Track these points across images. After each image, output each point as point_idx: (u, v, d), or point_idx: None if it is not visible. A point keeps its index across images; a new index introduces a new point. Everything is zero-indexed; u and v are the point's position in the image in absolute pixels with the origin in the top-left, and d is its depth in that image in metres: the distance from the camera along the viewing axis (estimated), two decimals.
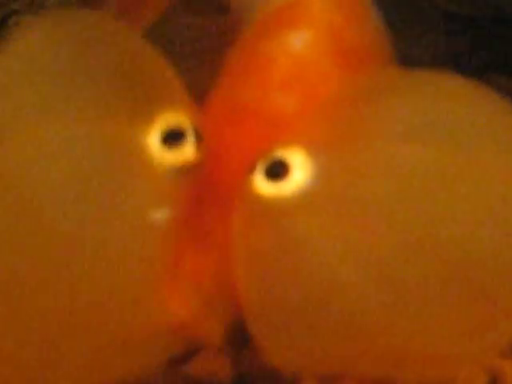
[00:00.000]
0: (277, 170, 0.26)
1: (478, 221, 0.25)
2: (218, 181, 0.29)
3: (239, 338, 0.29)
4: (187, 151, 0.27)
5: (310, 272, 0.25)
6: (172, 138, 0.27)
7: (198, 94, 0.30)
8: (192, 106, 0.29)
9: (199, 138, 0.28)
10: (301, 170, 0.26)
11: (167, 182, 0.27)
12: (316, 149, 0.27)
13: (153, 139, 0.27)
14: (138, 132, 0.27)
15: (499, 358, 0.34)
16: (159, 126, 0.27)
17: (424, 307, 0.24)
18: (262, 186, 0.26)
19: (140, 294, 0.26)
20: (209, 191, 0.29)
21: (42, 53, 0.28)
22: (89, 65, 0.28)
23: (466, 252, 0.25)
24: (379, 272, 0.24)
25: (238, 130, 0.29)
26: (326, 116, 0.28)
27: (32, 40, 0.29)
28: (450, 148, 0.26)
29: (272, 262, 0.26)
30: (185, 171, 0.27)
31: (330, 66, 0.31)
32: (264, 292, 0.26)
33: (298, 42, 0.31)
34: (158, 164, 0.27)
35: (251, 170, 0.27)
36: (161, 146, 0.27)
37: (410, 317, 0.24)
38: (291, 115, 0.29)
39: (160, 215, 0.27)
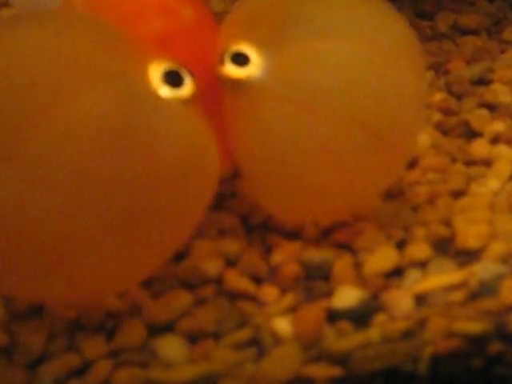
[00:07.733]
0: (241, 59, 0.34)
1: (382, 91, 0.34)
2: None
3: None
4: (187, 88, 0.32)
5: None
6: (171, 79, 0.32)
7: None
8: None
9: (193, 76, 0.33)
10: (256, 58, 0.34)
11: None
12: (260, 44, 0.34)
13: (156, 81, 0.32)
14: (145, 77, 0.32)
15: None
16: (157, 70, 0.32)
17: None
18: (233, 72, 0.34)
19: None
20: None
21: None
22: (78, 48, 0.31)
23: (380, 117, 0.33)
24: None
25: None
26: (256, 18, 0.35)
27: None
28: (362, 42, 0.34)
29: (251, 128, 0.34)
30: (188, 102, 0.32)
31: None
32: (253, 155, 0.34)
33: None
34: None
35: (221, 61, 0.34)
36: (164, 86, 0.32)
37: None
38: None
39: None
